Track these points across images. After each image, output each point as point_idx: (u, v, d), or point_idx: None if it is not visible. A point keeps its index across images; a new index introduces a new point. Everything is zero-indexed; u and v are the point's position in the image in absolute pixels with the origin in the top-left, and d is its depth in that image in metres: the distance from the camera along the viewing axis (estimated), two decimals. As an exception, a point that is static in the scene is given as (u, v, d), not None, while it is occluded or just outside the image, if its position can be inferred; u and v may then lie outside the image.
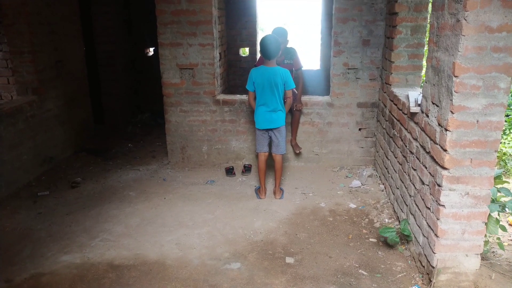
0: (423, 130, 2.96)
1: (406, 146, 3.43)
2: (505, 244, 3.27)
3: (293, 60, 4.54)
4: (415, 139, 3.15)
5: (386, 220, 3.69)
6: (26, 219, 3.81)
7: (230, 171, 4.76)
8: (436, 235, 2.67)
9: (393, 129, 3.89)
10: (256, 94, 4.01)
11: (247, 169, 4.79)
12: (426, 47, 4.09)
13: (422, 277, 2.88)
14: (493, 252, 3.18)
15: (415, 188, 3.12)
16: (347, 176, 4.67)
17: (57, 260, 3.17)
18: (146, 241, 3.41)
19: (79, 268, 3.07)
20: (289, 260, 3.15)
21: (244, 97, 4.85)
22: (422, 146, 2.98)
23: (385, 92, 4.32)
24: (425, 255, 2.85)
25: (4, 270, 3.05)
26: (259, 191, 4.22)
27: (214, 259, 3.17)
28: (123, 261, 3.15)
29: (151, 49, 7.47)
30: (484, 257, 2.97)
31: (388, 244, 3.26)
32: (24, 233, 3.57)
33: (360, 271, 3.01)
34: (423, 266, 2.88)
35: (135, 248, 3.33)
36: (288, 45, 4.58)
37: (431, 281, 2.72)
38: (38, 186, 4.53)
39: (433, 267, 2.71)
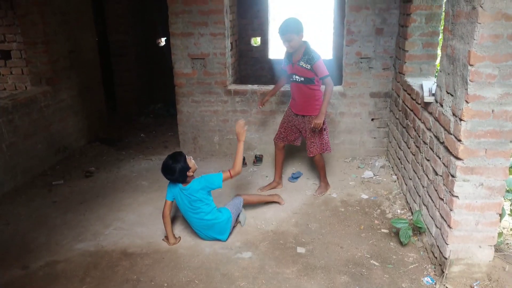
0: (437, 120, 2.92)
1: (419, 136, 3.39)
2: (520, 235, 3.24)
3: (313, 66, 3.67)
4: (429, 129, 3.12)
5: (399, 211, 3.67)
6: (41, 207, 3.88)
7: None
8: (449, 226, 2.65)
9: (407, 119, 3.84)
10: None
11: (258, 159, 4.79)
12: (440, 36, 4.02)
13: (435, 268, 2.86)
14: (507, 243, 3.14)
15: (428, 178, 3.09)
16: (359, 167, 4.64)
17: (72, 247, 3.23)
18: (159, 230, 3.44)
19: (93, 255, 3.12)
20: (300, 250, 3.16)
21: (255, 87, 4.83)
22: (435, 136, 2.95)
23: (398, 82, 4.26)
24: (437, 246, 2.83)
25: (20, 257, 3.12)
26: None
27: (225, 248, 3.19)
28: (136, 249, 3.19)
29: (163, 39, 7.47)
30: (497, 249, 2.94)
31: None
32: (39, 221, 3.64)
33: (371, 261, 3.00)
34: (436, 257, 2.86)
35: (148, 236, 3.37)
36: (306, 44, 3.73)
37: (443, 272, 2.71)
38: (52, 175, 4.60)
39: (446, 258, 2.69)
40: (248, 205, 3.69)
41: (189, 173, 3.18)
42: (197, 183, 3.20)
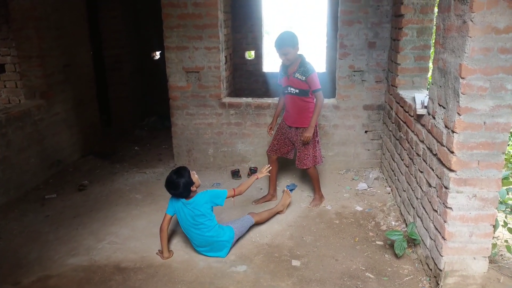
0: (429, 132, 2.95)
1: (412, 148, 3.41)
2: (514, 247, 3.24)
3: (307, 78, 3.72)
4: (422, 141, 3.14)
5: (393, 223, 3.67)
6: (34, 222, 3.84)
7: (236, 174, 4.76)
8: (443, 237, 2.65)
9: (400, 131, 3.87)
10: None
11: (253, 171, 4.79)
12: (432, 49, 4.07)
13: (430, 280, 2.86)
14: (501, 255, 3.15)
15: (422, 190, 3.10)
16: (353, 179, 4.65)
17: (64, 262, 3.19)
18: (153, 244, 3.41)
19: (86, 270, 3.08)
20: (295, 263, 3.14)
21: (250, 100, 4.86)
22: (428, 148, 2.97)
23: (391, 94, 4.30)
24: (432, 258, 2.83)
25: (12, 272, 3.07)
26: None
27: (220, 262, 3.17)
28: (130, 264, 3.16)
29: (157, 53, 7.51)
30: (492, 260, 2.94)
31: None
32: (31, 236, 3.59)
33: (366, 274, 2.99)
34: (431, 269, 2.86)
35: (141, 250, 3.34)
36: (301, 56, 3.80)
37: (438, 284, 2.70)
38: (45, 189, 4.56)
39: (441, 270, 2.69)
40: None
41: (193, 188, 3.17)
42: (201, 196, 3.18)
